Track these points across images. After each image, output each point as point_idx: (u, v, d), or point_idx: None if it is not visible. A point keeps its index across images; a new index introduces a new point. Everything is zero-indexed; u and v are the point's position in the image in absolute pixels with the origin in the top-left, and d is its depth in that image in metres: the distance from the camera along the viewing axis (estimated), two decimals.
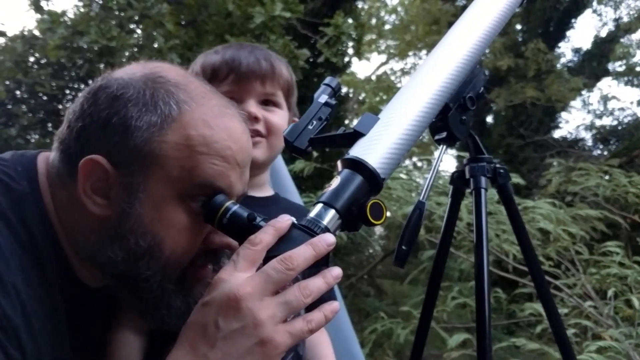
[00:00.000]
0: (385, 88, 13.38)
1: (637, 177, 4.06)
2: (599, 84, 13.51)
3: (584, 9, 12.50)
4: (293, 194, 1.94)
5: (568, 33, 12.58)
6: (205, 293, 0.75)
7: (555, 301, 1.39)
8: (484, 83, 1.14)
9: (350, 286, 8.01)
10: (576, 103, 13.40)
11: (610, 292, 3.24)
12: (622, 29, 12.86)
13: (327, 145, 0.98)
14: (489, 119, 12.64)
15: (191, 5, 6.58)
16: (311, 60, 6.95)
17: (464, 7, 1.18)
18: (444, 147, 1.15)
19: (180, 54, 6.09)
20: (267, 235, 0.77)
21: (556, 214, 3.53)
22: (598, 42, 12.86)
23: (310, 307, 0.75)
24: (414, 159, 9.18)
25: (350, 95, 12.09)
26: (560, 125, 13.23)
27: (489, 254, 1.16)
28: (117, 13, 6.82)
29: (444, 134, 1.11)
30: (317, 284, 0.75)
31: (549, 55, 11.19)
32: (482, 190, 1.17)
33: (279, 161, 1.92)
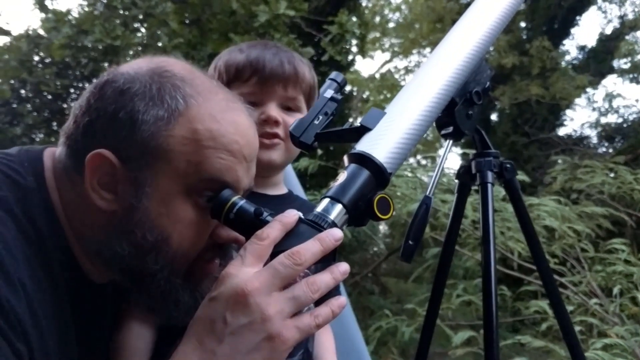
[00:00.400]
0: (389, 86, 13.34)
1: None
2: (604, 82, 13.46)
3: (588, 6, 12.46)
4: (298, 192, 1.93)
5: (573, 30, 12.57)
6: (213, 288, 0.75)
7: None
8: (490, 78, 1.14)
9: (354, 284, 8.01)
10: (581, 101, 13.36)
11: (615, 290, 3.23)
12: (627, 26, 12.79)
13: (334, 140, 0.98)
14: (494, 116, 12.62)
15: (195, 4, 6.59)
16: (315, 58, 6.95)
17: (468, 5, 1.17)
18: (450, 142, 1.14)
19: (184, 52, 6.10)
20: (274, 230, 0.76)
21: (561, 211, 3.52)
22: (603, 40, 12.81)
23: (316, 303, 0.75)
24: (418, 156, 9.17)
25: (354, 93, 12.08)
26: (565, 123, 13.21)
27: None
28: (121, 12, 6.84)
29: (450, 129, 1.10)
30: (325, 279, 0.74)
31: (553, 53, 11.16)
32: (489, 185, 1.17)
33: None
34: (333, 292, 0.76)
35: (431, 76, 1.01)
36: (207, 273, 0.87)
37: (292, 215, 0.79)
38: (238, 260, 0.74)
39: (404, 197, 3.73)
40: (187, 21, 7.00)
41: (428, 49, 14.07)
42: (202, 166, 0.81)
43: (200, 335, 0.72)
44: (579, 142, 12.73)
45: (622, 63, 13.52)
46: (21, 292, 0.74)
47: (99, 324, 0.96)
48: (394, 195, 3.71)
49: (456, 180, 1.28)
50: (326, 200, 0.82)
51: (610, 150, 11.73)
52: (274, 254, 0.75)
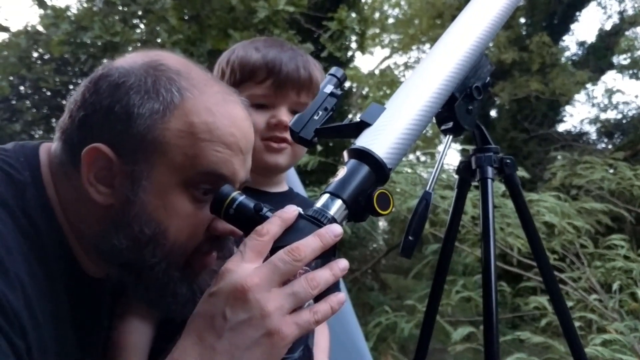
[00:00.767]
0: (388, 82, 13.34)
1: None
2: (604, 78, 13.49)
3: (588, 2, 12.43)
4: (298, 189, 1.93)
5: (572, 26, 12.53)
6: (212, 283, 0.74)
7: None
8: (490, 73, 1.13)
9: (354, 280, 8.02)
10: (580, 97, 13.39)
11: (615, 286, 3.23)
12: (626, 22, 12.78)
13: (333, 135, 0.98)
14: (493, 112, 12.61)
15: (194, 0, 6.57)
16: (315, 54, 6.94)
17: (467, 0, 1.16)
18: (450, 137, 1.14)
19: (183, 48, 6.09)
20: (273, 225, 0.76)
21: (561, 207, 3.52)
22: (603, 35, 12.80)
23: (315, 299, 0.75)
24: (418, 152, 9.16)
25: (354, 89, 12.07)
26: (565, 119, 13.25)
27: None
28: (120, 8, 6.83)
29: (450, 124, 1.09)
30: (324, 275, 0.74)
31: (553, 49, 11.14)
32: (489, 181, 1.16)
33: None
34: (332, 288, 0.76)
35: (431, 71, 1.00)
36: (204, 266, 0.87)
37: (291, 210, 0.78)
38: (238, 256, 0.74)
39: (404, 193, 3.72)
40: (186, 17, 6.98)
41: (427, 45, 14.06)
42: (198, 159, 0.81)
43: (200, 330, 0.72)
44: (578, 138, 12.74)
45: (621, 59, 13.55)
46: (18, 287, 0.74)
47: (97, 319, 0.96)
48: (393, 192, 3.71)
49: (456, 176, 1.27)
50: (326, 196, 0.81)
51: (610, 146, 11.74)
52: (273, 250, 0.74)
